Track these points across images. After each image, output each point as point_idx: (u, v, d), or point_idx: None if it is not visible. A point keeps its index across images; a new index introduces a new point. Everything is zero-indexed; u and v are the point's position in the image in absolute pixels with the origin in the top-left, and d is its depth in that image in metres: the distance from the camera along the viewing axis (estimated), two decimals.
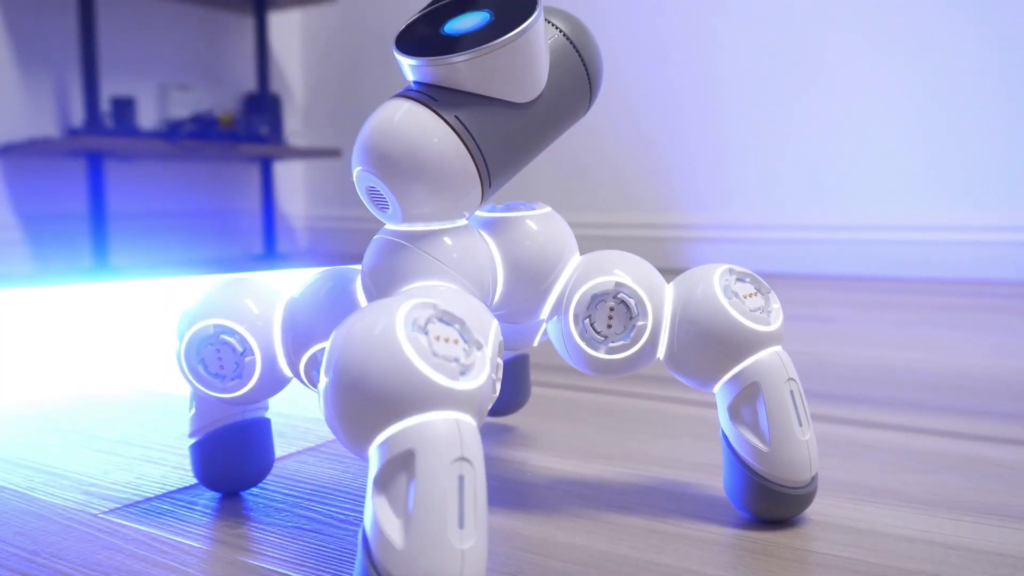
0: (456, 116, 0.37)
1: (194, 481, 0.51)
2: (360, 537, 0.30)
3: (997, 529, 0.42)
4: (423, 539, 0.28)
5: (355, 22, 2.50)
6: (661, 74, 2.01)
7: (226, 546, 0.42)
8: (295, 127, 2.57)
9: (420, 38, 0.39)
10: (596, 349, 0.43)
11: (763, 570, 0.38)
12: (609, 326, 0.43)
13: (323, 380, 0.31)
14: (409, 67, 0.39)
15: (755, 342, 0.42)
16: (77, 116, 2.03)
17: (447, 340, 0.31)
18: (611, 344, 0.43)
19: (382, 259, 0.39)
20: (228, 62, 2.41)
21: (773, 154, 1.90)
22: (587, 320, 0.43)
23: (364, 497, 0.48)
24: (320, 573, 0.38)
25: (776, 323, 0.43)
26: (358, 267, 0.43)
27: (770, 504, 0.42)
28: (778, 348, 0.43)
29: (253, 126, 2.26)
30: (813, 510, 0.45)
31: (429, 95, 0.38)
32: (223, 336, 0.43)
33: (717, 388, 0.43)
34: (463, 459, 0.29)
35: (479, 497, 0.30)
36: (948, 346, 0.97)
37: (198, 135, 2.06)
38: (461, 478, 0.29)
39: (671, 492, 0.48)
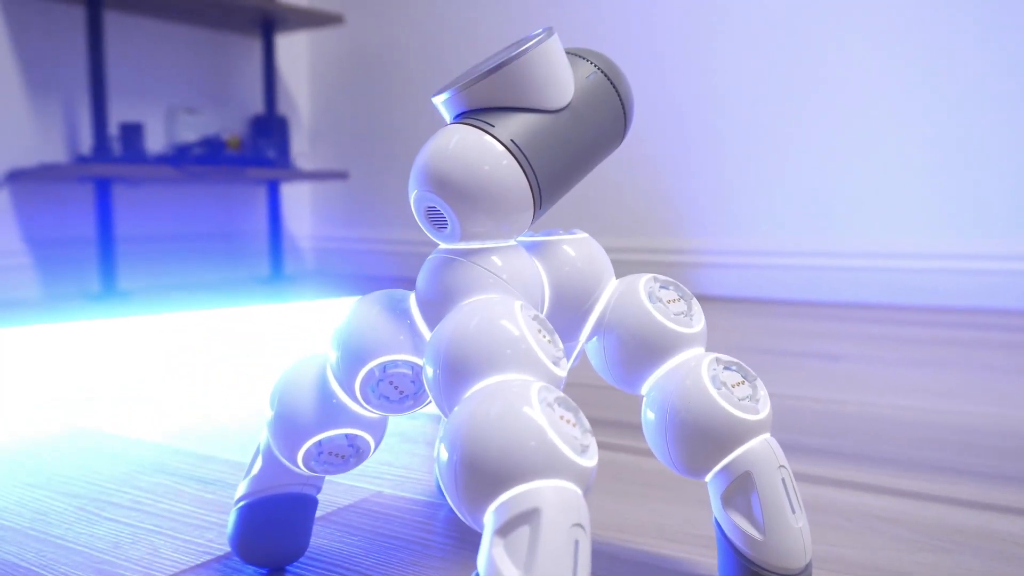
0: (511, 137, 0.40)
1: (207, 558, 0.51)
2: None
3: None
4: None
5: (362, 44, 2.51)
6: (663, 97, 2.01)
7: None
8: (302, 149, 2.58)
9: (452, 81, 0.43)
10: (658, 310, 0.45)
11: None
12: (671, 301, 0.46)
13: (451, 434, 0.33)
14: (450, 103, 0.42)
15: (746, 432, 0.42)
16: (85, 142, 2.04)
17: (567, 421, 0.33)
18: (673, 311, 0.45)
19: (440, 274, 0.41)
20: (235, 85, 2.42)
21: (778, 179, 1.90)
22: (652, 288, 0.46)
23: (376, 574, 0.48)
24: None
25: (764, 411, 0.43)
26: (400, 291, 0.45)
27: None
28: (767, 436, 0.43)
29: (260, 149, 2.27)
30: None
31: (478, 119, 0.41)
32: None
33: (709, 478, 0.44)
34: (579, 526, 0.32)
35: (587, 565, 0.32)
36: (961, 392, 0.96)
37: (206, 159, 2.07)
38: (577, 542, 0.31)
39: (685, 573, 0.48)
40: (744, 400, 0.43)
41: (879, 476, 0.66)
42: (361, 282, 2.33)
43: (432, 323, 0.42)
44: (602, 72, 0.45)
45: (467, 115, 0.41)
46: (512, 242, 0.42)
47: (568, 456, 0.32)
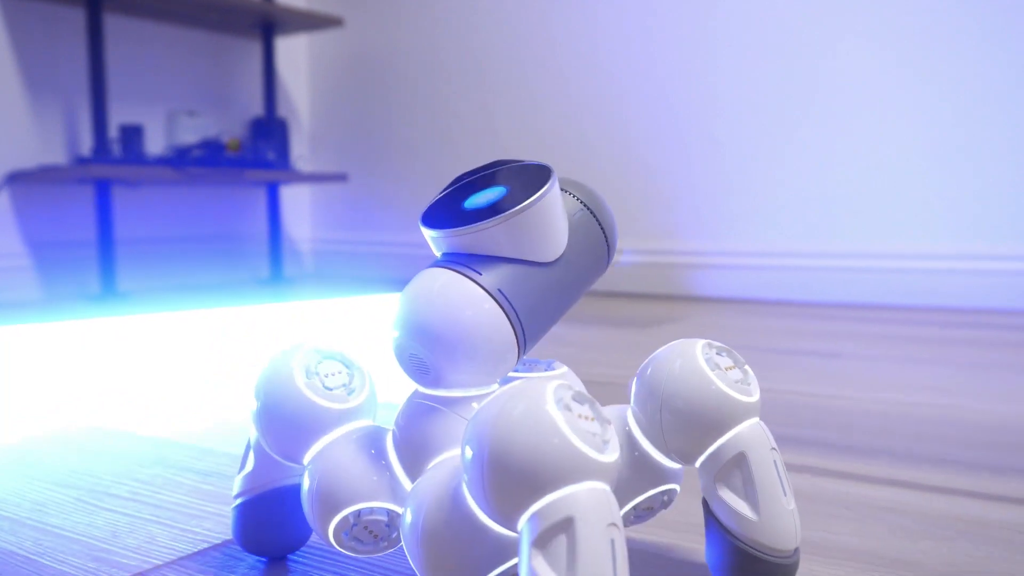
0: (498, 287, 0.39)
1: (204, 546, 0.51)
2: None
3: None
4: None
5: (361, 47, 2.51)
6: (662, 100, 2.02)
7: None
8: (302, 152, 2.58)
9: (444, 214, 0.42)
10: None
11: None
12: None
13: (470, 456, 0.33)
14: (438, 240, 0.41)
15: (740, 412, 0.43)
16: (85, 144, 2.04)
17: (585, 417, 0.33)
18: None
19: (419, 424, 0.41)
20: (235, 88, 2.42)
21: (776, 181, 1.90)
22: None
23: (374, 563, 0.48)
24: None
25: (756, 395, 0.44)
26: (377, 428, 0.44)
27: (757, 575, 0.42)
28: (757, 419, 0.44)
29: (260, 151, 2.27)
30: None
31: (465, 264, 0.40)
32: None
33: (701, 461, 0.44)
34: (613, 524, 0.32)
35: (625, 559, 0.32)
36: (958, 388, 0.96)
37: (205, 161, 2.07)
38: (612, 542, 0.32)
39: (681, 560, 0.48)
40: (738, 383, 0.43)
41: (878, 468, 0.66)
42: (358, 284, 2.32)
43: (410, 469, 0.41)
44: (583, 203, 0.44)
45: (454, 258, 0.40)
46: (495, 386, 0.41)
47: (592, 457, 0.32)
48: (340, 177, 2.37)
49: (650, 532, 0.53)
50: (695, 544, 0.51)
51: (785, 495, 0.43)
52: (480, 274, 0.39)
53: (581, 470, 0.32)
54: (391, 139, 2.47)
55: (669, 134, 2.02)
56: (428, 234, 0.41)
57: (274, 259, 2.39)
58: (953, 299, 1.71)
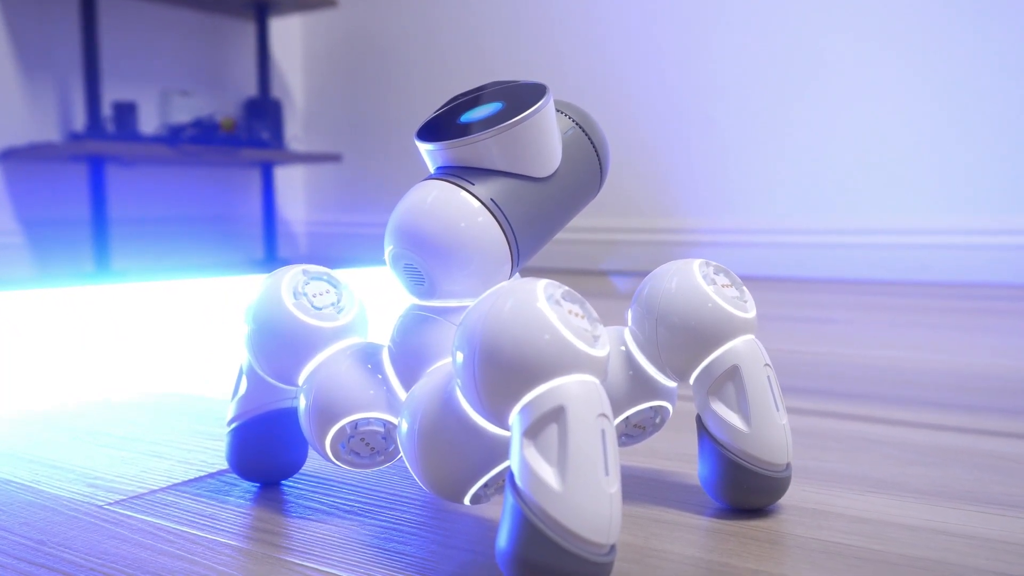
0: (490, 197, 0.40)
1: (199, 475, 0.52)
2: (509, 485, 0.33)
3: (1000, 518, 0.43)
4: (579, 483, 0.31)
5: (356, 28, 2.51)
6: (659, 79, 2.02)
7: (231, 535, 0.42)
8: (296, 132, 2.58)
9: (439, 128, 0.42)
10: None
11: (766, 556, 0.38)
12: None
13: (462, 355, 0.34)
14: (433, 153, 0.41)
15: (735, 327, 0.43)
16: (79, 121, 2.04)
17: (576, 314, 0.34)
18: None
19: (414, 333, 0.42)
20: (229, 68, 2.42)
21: (772, 158, 1.91)
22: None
23: (369, 488, 0.48)
24: (324, 559, 0.38)
25: (752, 311, 0.44)
26: (373, 344, 0.45)
27: (749, 489, 0.43)
28: (753, 336, 0.44)
29: (254, 131, 2.26)
30: (816, 499, 0.45)
31: (459, 176, 0.40)
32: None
33: (695, 375, 0.44)
34: (603, 415, 0.33)
35: (615, 449, 0.33)
36: (948, 347, 0.97)
37: (199, 140, 2.07)
38: (603, 431, 0.32)
39: (674, 484, 0.49)
40: (734, 299, 0.44)
41: (868, 409, 0.67)
42: (353, 265, 2.33)
43: (406, 379, 0.41)
44: (577, 124, 0.44)
45: (448, 171, 0.41)
46: None
47: (582, 349, 0.33)
48: (334, 157, 2.37)
49: (643, 460, 0.53)
50: (688, 469, 0.51)
51: (777, 410, 0.43)
52: (473, 184, 0.40)
53: (572, 362, 0.32)
54: (385, 120, 2.47)
55: (666, 113, 2.02)
56: (423, 148, 0.42)
57: (268, 240, 2.39)
58: (947, 274, 1.72)
